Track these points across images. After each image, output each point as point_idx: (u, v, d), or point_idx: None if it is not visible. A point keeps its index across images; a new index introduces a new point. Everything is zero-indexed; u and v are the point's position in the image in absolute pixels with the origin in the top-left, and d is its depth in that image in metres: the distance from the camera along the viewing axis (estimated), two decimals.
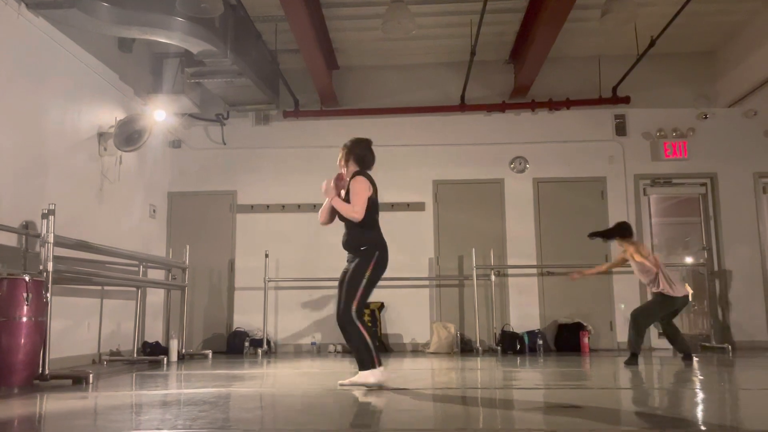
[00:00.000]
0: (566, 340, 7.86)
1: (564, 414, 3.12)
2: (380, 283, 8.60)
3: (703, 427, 2.74)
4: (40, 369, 4.57)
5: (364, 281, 4.13)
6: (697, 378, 4.74)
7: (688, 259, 8.86)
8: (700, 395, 3.76)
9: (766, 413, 3.13)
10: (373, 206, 4.24)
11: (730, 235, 8.29)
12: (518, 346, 7.69)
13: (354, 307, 4.09)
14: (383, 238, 4.26)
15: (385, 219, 8.76)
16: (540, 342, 7.70)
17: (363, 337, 4.06)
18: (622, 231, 6.13)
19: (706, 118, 8.46)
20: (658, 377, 4.99)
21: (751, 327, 8.03)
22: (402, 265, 8.33)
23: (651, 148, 8.53)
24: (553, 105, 8.54)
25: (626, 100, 8.47)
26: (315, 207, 8.61)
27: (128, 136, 6.84)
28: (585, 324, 7.87)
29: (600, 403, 3.48)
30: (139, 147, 6.97)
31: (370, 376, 4.07)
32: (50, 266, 4.64)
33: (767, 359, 6.28)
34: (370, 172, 4.40)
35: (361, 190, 4.20)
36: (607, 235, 6.31)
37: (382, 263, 4.22)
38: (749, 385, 4.39)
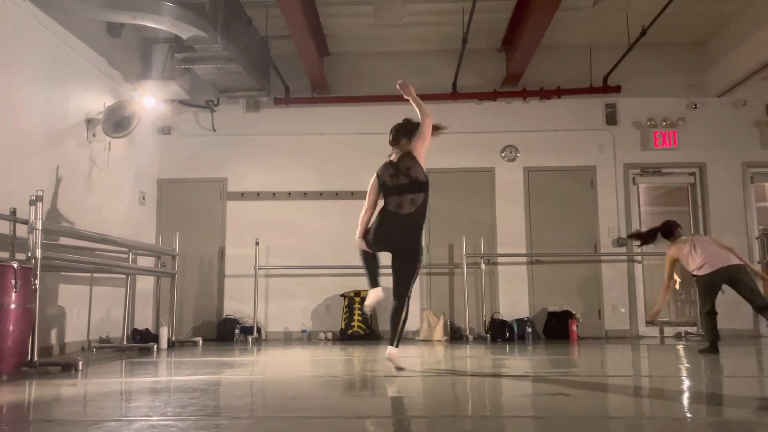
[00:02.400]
0: (555, 327, 7.92)
1: (552, 401, 3.15)
2: None
3: (688, 414, 2.78)
4: (29, 356, 4.55)
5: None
6: (683, 365, 4.80)
7: None
8: (686, 383, 3.81)
9: (747, 400, 3.18)
10: (382, 194, 4.63)
11: (718, 224, 8.35)
12: (507, 334, 7.75)
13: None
14: (381, 219, 4.56)
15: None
16: (529, 330, 7.75)
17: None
18: (662, 232, 6.01)
19: (696, 107, 8.50)
20: (647, 365, 5.04)
21: (737, 315, 8.10)
22: None
23: (641, 137, 8.56)
24: (544, 94, 8.54)
25: (617, 90, 8.48)
26: (305, 195, 8.60)
27: (117, 122, 6.78)
28: (573, 312, 7.93)
29: (588, 390, 3.52)
30: (128, 133, 6.91)
31: (371, 294, 4.66)
32: (39, 253, 4.61)
33: (751, 347, 6.36)
34: (391, 154, 4.75)
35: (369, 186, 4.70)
36: (647, 237, 6.14)
37: (369, 233, 4.62)
38: (733, 372, 4.46)
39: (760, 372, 4.52)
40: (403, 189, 4.46)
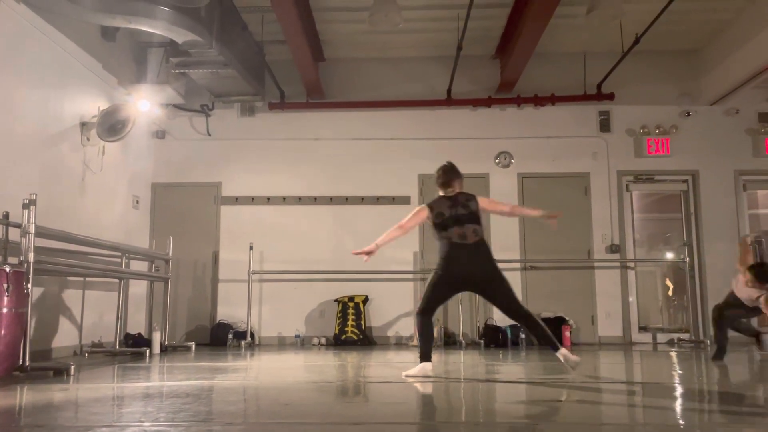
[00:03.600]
0: None
1: (545, 407, 3.16)
2: (365, 276, 8.66)
3: (681, 421, 2.79)
4: (21, 360, 4.52)
5: (427, 284, 4.59)
6: (676, 372, 4.81)
7: (669, 255, 8.98)
8: (679, 389, 3.82)
9: (737, 407, 3.19)
10: (436, 226, 4.52)
11: (711, 231, 8.40)
12: (501, 340, 7.75)
13: (420, 305, 4.58)
14: (448, 253, 4.43)
15: (370, 213, 8.84)
16: (522, 336, 7.76)
17: (418, 332, 4.57)
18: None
19: (688, 115, 8.56)
20: (640, 371, 5.05)
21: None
22: (387, 258, 8.36)
23: (634, 144, 8.61)
24: (538, 101, 8.58)
25: (610, 97, 8.53)
26: (300, 200, 8.60)
27: (111, 125, 6.76)
28: (567, 318, 7.94)
29: (581, 396, 3.53)
30: (122, 137, 6.90)
31: (419, 369, 4.41)
32: (31, 257, 4.59)
33: (742, 354, 6.39)
34: (442, 193, 4.67)
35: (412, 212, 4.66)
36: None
37: (438, 270, 4.51)
38: (725, 378, 4.47)
39: (752, 379, 4.54)
40: (463, 220, 4.43)
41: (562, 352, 4.30)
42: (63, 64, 6.38)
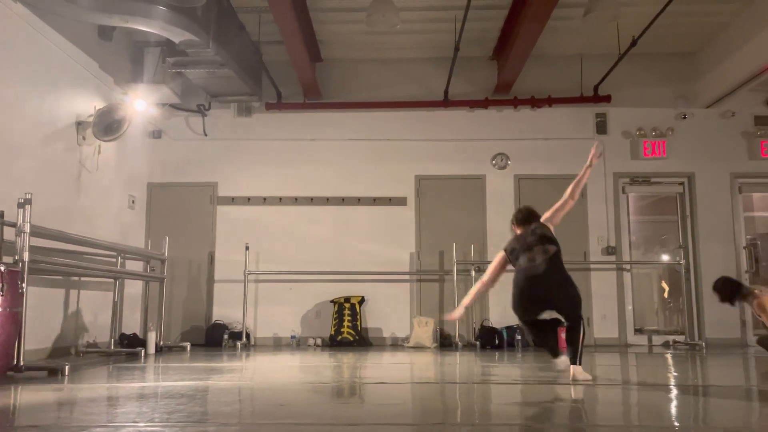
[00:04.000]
0: (544, 335, 7.92)
1: (541, 408, 3.16)
2: (361, 277, 8.66)
3: (676, 423, 2.80)
4: (15, 360, 4.50)
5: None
6: (671, 374, 4.82)
7: (665, 257, 8.99)
8: (674, 392, 3.83)
9: (732, 410, 3.20)
10: (511, 261, 4.56)
11: (706, 233, 8.42)
12: (497, 341, 7.75)
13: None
14: (518, 283, 4.43)
15: (367, 213, 8.85)
16: (518, 337, 7.76)
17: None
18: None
19: (684, 118, 8.57)
20: (636, 373, 5.06)
21: (725, 324, 8.16)
22: (383, 259, 8.36)
23: (631, 146, 8.63)
24: (535, 102, 8.59)
25: (607, 99, 8.54)
26: (296, 200, 8.59)
27: (107, 125, 6.75)
28: (562, 320, 7.92)
29: (576, 398, 3.53)
30: (118, 137, 6.88)
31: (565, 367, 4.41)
32: (26, 256, 4.58)
33: (738, 357, 6.40)
34: (517, 228, 4.71)
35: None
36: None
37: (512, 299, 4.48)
38: (720, 381, 4.48)
39: (746, 381, 4.55)
40: (531, 244, 4.40)
41: (574, 370, 4.19)
42: (59, 63, 6.36)
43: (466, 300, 4.57)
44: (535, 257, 4.33)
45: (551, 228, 4.53)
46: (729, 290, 5.48)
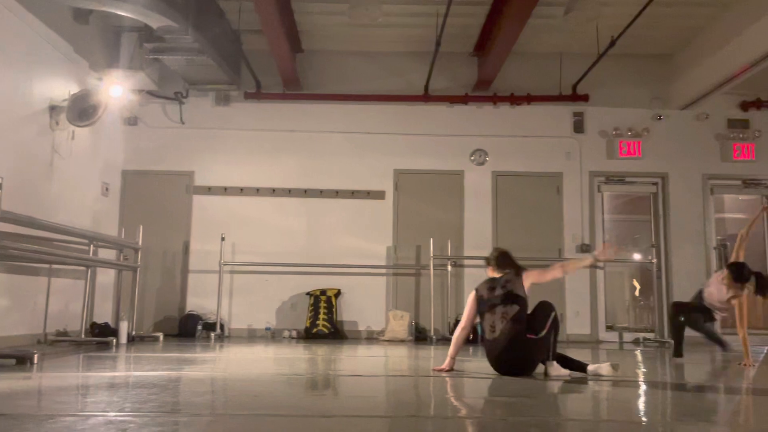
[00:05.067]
0: None
1: (514, 402, 3.19)
2: (337, 270, 8.66)
3: (644, 418, 2.85)
4: None
5: None
6: (641, 370, 4.91)
7: (637, 256, 9.14)
8: (642, 387, 3.90)
9: (698, 407, 3.27)
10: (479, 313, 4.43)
11: (678, 233, 8.57)
12: (471, 336, 7.78)
13: None
14: (484, 346, 4.38)
15: (345, 206, 8.83)
16: None
17: None
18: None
19: (660, 119, 8.71)
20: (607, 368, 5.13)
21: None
22: (360, 252, 8.36)
23: (607, 146, 8.73)
24: (514, 99, 8.64)
25: (585, 98, 8.63)
26: (274, 191, 8.54)
27: (82, 110, 6.62)
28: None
29: (548, 392, 3.57)
30: (93, 122, 6.76)
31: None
32: None
33: (705, 354, 6.54)
34: (490, 271, 4.60)
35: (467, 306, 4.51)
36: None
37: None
38: (690, 378, 4.57)
39: (714, 378, 4.65)
40: (495, 304, 4.25)
41: (555, 366, 4.21)
42: (33, 45, 6.22)
43: (452, 350, 4.41)
44: (495, 324, 4.20)
45: (525, 283, 4.35)
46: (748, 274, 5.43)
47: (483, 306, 4.34)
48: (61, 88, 6.68)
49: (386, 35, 8.36)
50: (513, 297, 4.26)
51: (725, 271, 5.56)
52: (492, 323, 4.23)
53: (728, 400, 3.47)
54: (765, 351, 7.07)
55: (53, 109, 6.56)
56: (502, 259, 4.59)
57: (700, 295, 5.98)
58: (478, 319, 4.47)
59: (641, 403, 3.28)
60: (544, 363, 4.20)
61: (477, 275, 8.52)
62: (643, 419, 2.80)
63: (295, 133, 8.65)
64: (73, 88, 6.79)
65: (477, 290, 4.45)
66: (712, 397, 3.65)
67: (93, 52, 7.41)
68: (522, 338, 4.14)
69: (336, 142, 8.61)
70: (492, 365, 4.30)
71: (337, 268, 8.27)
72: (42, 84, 6.41)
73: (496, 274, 4.50)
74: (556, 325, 4.22)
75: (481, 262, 8.27)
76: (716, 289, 5.74)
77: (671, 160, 8.67)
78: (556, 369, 4.19)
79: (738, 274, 5.42)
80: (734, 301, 5.47)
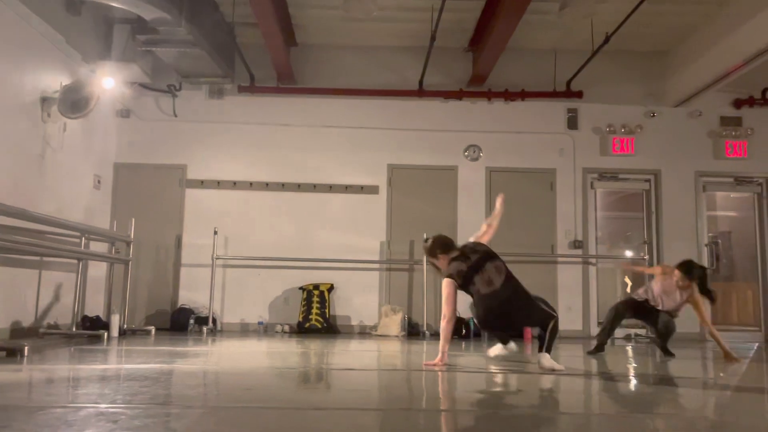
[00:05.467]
0: None
1: (506, 396, 3.20)
2: (331, 264, 8.64)
3: (631, 412, 2.86)
4: None
5: None
6: (632, 365, 4.93)
7: (629, 253, 9.17)
8: (633, 382, 3.92)
9: (688, 401, 3.29)
10: (463, 286, 4.35)
11: (670, 230, 8.61)
12: (464, 331, 7.82)
13: None
14: (479, 313, 4.38)
15: (338, 201, 8.82)
16: None
17: None
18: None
19: (653, 116, 8.73)
20: (597, 364, 5.16)
21: (684, 319, 8.36)
22: (353, 247, 8.35)
23: (600, 142, 8.75)
24: (508, 95, 8.64)
25: (579, 95, 8.64)
26: (267, 185, 8.51)
27: (74, 102, 6.57)
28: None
29: (540, 387, 3.58)
30: (85, 114, 6.71)
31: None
32: None
33: (694, 350, 6.58)
34: (443, 258, 4.49)
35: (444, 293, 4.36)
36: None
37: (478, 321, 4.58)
38: (680, 373, 4.60)
39: (705, 374, 4.68)
40: (480, 264, 4.25)
41: (541, 355, 4.25)
42: (24, 36, 6.16)
43: (444, 345, 4.31)
44: (491, 278, 4.19)
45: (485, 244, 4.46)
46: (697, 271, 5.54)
47: (469, 275, 4.26)
48: (52, 80, 6.63)
49: (381, 29, 8.34)
50: (492, 253, 4.35)
51: (676, 273, 5.55)
52: (488, 278, 4.21)
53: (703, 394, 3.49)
54: (755, 347, 7.11)
55: (45, 100, 6.50)
56: (443, 240, 4.56)
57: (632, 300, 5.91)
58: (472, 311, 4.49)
59: (631, 397, 3.30)
60: (539, 340, 4.25)
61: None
62: (631, 413, 2.81)
63: (288, 127, 8.62)
64: (65, 80, 6.73)
65: (452, 275, 4.31)
66: (694, 391, 3.67)
67: (85, 43, 7.35)
68: (524, 289, 4.23)
69: (330, 137, 8.59)
70: (489, 320, 4.30)
71: (330, 262, 8.26)
72: (33, 75, 6.35)
73: (451, 257, 4.42)
74: (554, 325, 4.23)
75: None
76: (664, 295, 5.69)
77: (664, 157, 8.70)
78: (549, 361, 4.20)
79: (689, 269, 5.49)
80: (689, 299, 5.56)
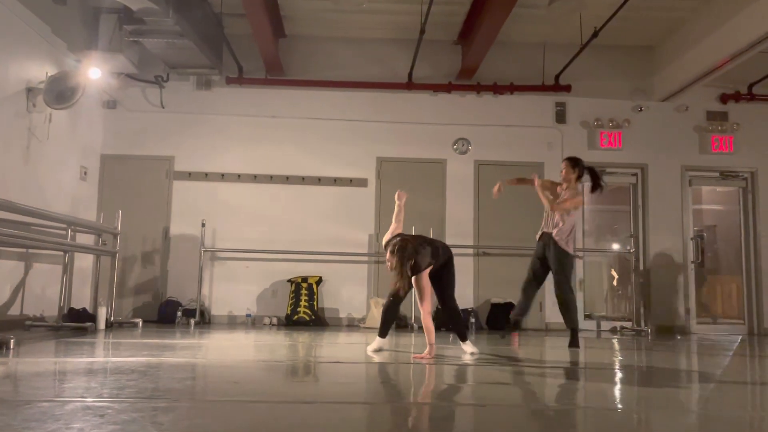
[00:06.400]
0: (498, 318, 8.08)
1: (493, 389, 3.22)
2: (319, 257, 8.64)
3: (620, 406, 2.90)
4: None
5: None
6: (617, 358, 4.98)
7: (615, 246, 9.25)
8: (619, 374, 3.96)
9: (674, 393, 3.33)
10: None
11: (657, 223, 8.68)
12: (451, 324, 7.84)
13: None
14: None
15: (327, 193, 8.79)
16: (473, 320, 7.88)
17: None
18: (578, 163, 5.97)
19: (640, 110, 8.78)
20: (584, 356, 5.21)
21: (671, 311, 8.49)
22: (342, 240, 8.35)
23: (588, 136, 8.79)
24: (497, 89, 8.65)
25: (567, 89, 8.67)
26: (255, 178, 8.48)
27: (60, 92, 6.50)
28: (516, 304, 8.08)
29: (526, 379, 3.61)
30: (71, 105, 6.64)
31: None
32: None
33: (680, 342, 6.66)
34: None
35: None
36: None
37: None
38: (667, 365, 4.66)
39: (688, 365, 4.74)
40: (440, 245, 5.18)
41: (467, 344, 4.84)
42: (9, 25, 6.08)
43: (431, 337, 4.54)
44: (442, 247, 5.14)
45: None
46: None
47: (436, 255, 4.89)
48: (38, 70, 6.55)
49: (370, 21, 8.31)
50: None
51: (563, 165, 6.00)
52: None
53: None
54: (738, 339, 7.21)
55: (30, 91, 6.43)
56: (411, 244, 4.87)
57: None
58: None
59: (617, 391, 3.33)
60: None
61: (459, 263, 8.47)
62: (619, 406, 2.85)
63: (277, 119, 8.58)
64: (51, 70, 6.66)
65: (427, 266, 4.77)
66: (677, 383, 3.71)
67: (71, 33, 7.27)
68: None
69: (318, 129, 8.56)
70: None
71: (318, 255, 8.25)
72: (18, 65, 6.27)
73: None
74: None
75: (464, 251, 8.38)
76: (550, 210, 5.95)
77: (651, 152, 8.76)
78: (468, 347, 4.82)
79: (575, 161, 5.96)
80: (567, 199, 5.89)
